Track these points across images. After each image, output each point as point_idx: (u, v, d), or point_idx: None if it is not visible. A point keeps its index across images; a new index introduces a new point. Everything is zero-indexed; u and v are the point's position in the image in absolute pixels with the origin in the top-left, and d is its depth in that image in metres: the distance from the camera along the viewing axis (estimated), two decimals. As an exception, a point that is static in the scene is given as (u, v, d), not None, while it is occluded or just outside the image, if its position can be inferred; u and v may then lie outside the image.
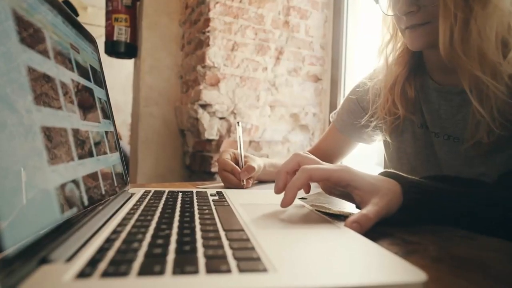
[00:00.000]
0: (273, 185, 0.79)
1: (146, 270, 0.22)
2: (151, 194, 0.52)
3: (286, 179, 0.45)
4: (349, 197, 0.46)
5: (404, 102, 0.65)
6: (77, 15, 1.77)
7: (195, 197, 0.50)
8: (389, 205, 0.40)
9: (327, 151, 0.88)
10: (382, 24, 0.67)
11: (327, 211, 0.47)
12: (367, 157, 1.62)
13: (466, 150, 0.58)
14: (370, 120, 0.73)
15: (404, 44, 0.65)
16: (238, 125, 0.74)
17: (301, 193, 0.65)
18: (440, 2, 0.51)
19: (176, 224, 0.34)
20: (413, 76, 0.66)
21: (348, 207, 0.51)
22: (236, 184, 0.70)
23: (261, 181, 0.81)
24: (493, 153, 0.56)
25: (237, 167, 0.71)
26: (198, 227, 0.33)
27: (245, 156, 0.74)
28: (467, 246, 0.36)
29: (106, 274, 0.22)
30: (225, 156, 0.73)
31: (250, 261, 0.24)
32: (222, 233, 0.31)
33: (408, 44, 0.60)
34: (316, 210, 0.46)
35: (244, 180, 0.70)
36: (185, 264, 0.23)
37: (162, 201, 0.46)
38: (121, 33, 1.73)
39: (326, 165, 0.43)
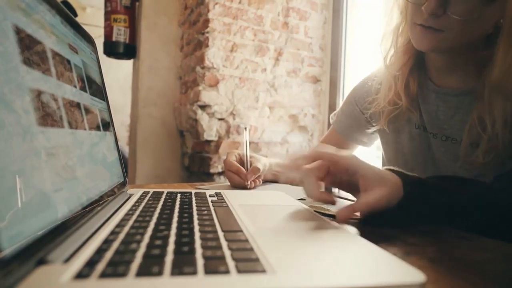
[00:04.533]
0: (274, 185, 0.80)
1: (144, 271, 0.22)
2: (149, 195, 0.52)
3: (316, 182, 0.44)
4: (351, 188, 0.46)
5: (406, 94, 0.65)
6: (75, 15, 1.76)
7: (193, 198, 0.50)
8: (390, 196, 0.41)
9: None
10: (393, 6, 0.65)
11: (326, 212, 0.47)
12: (366, 158, 1.62)
13: (461, 165, 0.58)
14: (368, 121, 0.73)
15: None
16: (246, 130, 0.78)
17: (300, 194, 0.65)
18: (505, 31, 0.51)
19: (174, 225, 0.34)
20: (416, 71, 0.66)
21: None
22: (241, 184, 0.73)
23: (266, 181, 0.82)
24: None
25: (242, 168, 0.74)
26: (196, 228, 0.33)
27: (250, 156, 0.76)
28: (465, 247, 0.36)
29: (104, 275, 0.22)
30: (231, 158, 0.76)
31: (248, 262, 0.24)
32: (220, 234, 0.31)
33: (414, 41, 0.59)
34: (314, 211, 0.46)
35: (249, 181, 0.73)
36: (184, 265, 0.23)
37: (161, 202, 0.46)
38: (120, 34, 1.73)
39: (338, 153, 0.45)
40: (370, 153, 1.00)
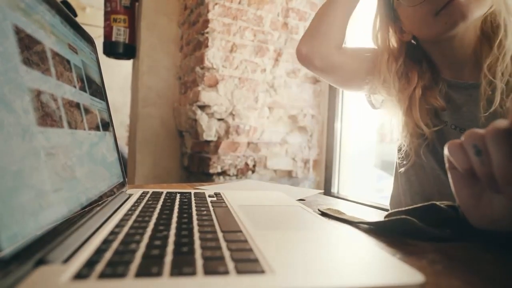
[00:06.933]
0: (274, 185, 0.79)
1: (144, 271, 0.22)
2: (149, 195, 0.52)
3: None
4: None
5: (429, 118, 0.64)
6: (75, 15, 1.76)
7: (193, 198, 0.50)
8: None
9: (357, 53, 0.83)
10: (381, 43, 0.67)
11: (340, 216, 0.47)
12: (366, 159, 1.63)
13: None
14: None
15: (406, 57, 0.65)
16: None
17: (300, 194, 0.65)
18: None
19: (174, 225, 0.34)
20: (431, 81, 0.65)
21: (360, 214, 0.51)
22: None
23: None
24: None
25: None
26: (196, 228, 0.33)
27: None
28: (464, 248, 0.36)
29: (103, 275, 0.22)
30: None
31: (247, 263, 0.24)
32: (220, 235, 0.31)
33: (443, 26, 0.56)
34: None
35: None
36: (183, 265, 0.23)
37: (160, 202, 0.46)
38: (120, 34, 1.73)
39: None
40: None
